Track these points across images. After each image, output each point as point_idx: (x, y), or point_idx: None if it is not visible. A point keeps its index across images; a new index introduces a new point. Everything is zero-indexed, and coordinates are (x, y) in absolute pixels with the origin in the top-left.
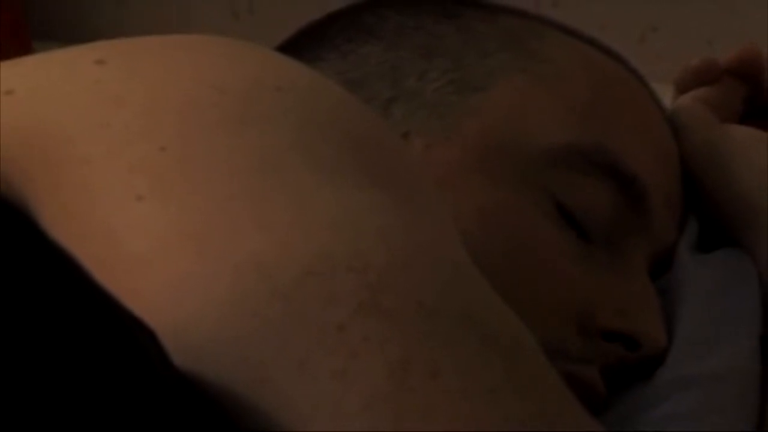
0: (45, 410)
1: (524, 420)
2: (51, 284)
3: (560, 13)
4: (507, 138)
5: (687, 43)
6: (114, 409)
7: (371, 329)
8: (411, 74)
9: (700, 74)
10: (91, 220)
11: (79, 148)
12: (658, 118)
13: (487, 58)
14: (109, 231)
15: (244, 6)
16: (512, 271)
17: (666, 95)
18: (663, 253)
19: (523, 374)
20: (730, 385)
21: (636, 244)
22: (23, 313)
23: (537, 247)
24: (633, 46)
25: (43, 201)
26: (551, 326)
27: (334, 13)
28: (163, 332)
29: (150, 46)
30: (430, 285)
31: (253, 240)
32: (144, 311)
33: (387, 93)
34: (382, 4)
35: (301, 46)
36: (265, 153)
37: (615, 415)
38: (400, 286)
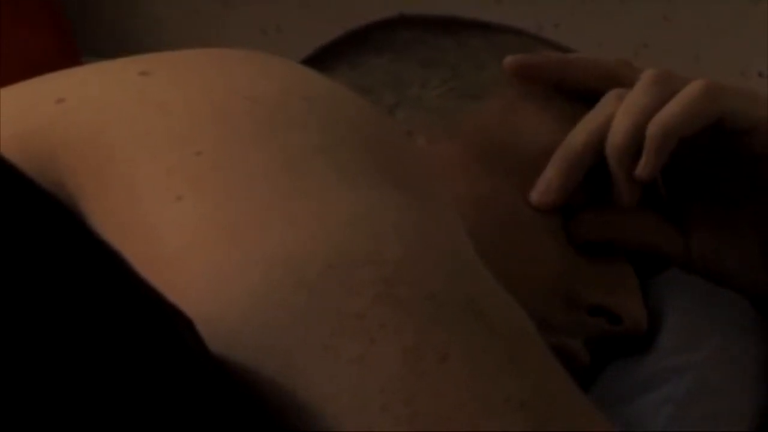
0: (95, 392)
1: (524, 401)
2: (99, 278)
3: (562, 32)
4: (501, 140)
5: (676, 58)
6: (155, 392)
7: (387, 317)
8: (413, 83)
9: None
10: (134, 218)
11: (124, 153)
12: None
13: (483, 71)
14: (151, 228)
15: (272, 25)
16: (504, 250)
17: None
18: None
19: (525, 359)
20: (723, 371)
21: None
22: (75, 304)
23: (526, 228)
24: None
25: (92, 201)
26: (539, 300)
27: (349, 32)
28: (199, 321)
29: (189, 58)
30: (441, 277)
31: (281, 236)
32: (182, 301)
33: (391, 99)
34: (392, 23)
35: (318, 59)
36: (292, 156)
37: (615, 397)
38: (414, 277)
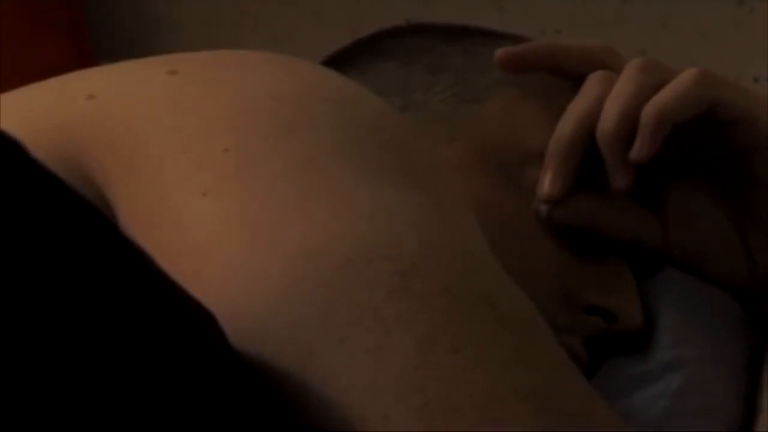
0: (118, 385)
1: (531, 392)
2: (124, 274)
3: (563, 38)
4: (501, 140)
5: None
6: (177, 385)
7: (403, 310)
8: (419, 88)
9: None
10: (161, 212)
11: (152, 149)
12: None
13: (485, 75)
14: (177, 222)
15: (285, 32)
16: (503, 249)
17: None
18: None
19: (534, 351)
20: (714, 367)
21: None
22: (100, 299)
23: (525, 229)
24: None
25: (120, 195)
26: (538, 299)
27: (360, 39)
28: (221, 314)
29: (215, 59)
30: (454, 271)
31: (302, 232)
32: (204, 295)
33: (398, 103)
34: (400, 30)
35: (329, 65)
36: (314, 155)
37: (610, 392)
38: (429, 272)
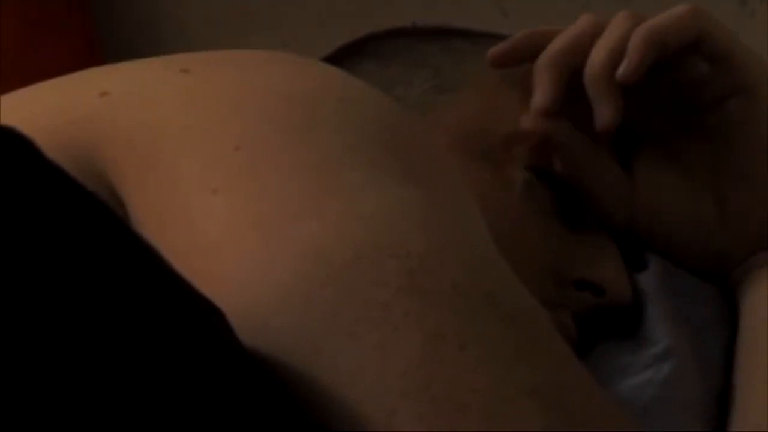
0: (128, 377)
1: (537, 388)
2: (135, 271)
3: None
4: (479, 125)
5: None
6: (186, 378)
7: (411, 307)
8: (400, 83)
9: None
10: (172, 209)
11: (164, 147)
12: None
13: (461, 66)
14: (188, 219)
15: (292, 36)
16: (492, 230)
17: None
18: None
19: (539, 348)
20: (695, 362)
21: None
22: (112, 296)
23: (511, 209)
24: None
25: (132, 192)
26: (527, 275)
27: (349, 43)
28: (230, 310)
29: (228, 58)
30: (461, 269)
31: (311, 229)
32: (214, 292)
33: None
34: (384, 34)
35: None
36: (324, 154)
37: (604, 378)
38: (436, 269)
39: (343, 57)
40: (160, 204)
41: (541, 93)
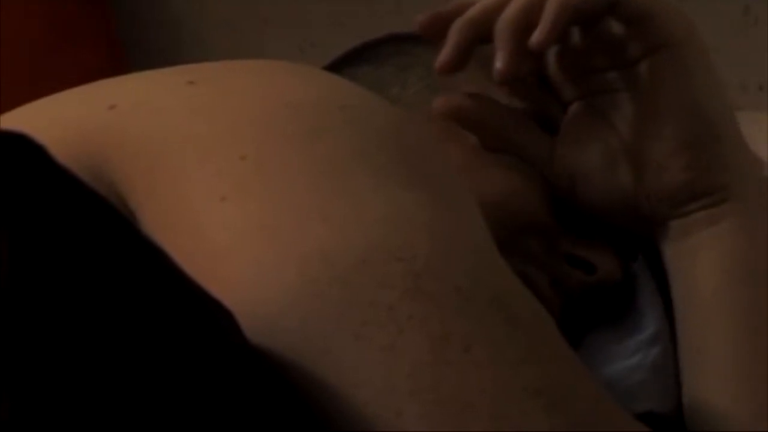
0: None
1: (542, 389)
2: (146, 273)
3: None
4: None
5: None
6: (195, 376)
7: (416, 309)
8: (394, 84)
9: None
10: (181, 217)
11: (171, 157)
12: None
13: None
14: (196, 226)
15: (307, 41)
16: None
17: None
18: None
19: (543, 350)
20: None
21: None
22: (124, 296)
23: (508, 186)
24: None
25: (142, 200)
26: (521, 236)
27: (349, 50)
28: (239, 312)
29: (233, 69)
30: (466, 272)
31: (318, 234)
32: (224, 294)
33: None
34: (380, 40)
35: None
36: (329, 160)
37: (595, 365)
38: (441, 273)
39: (342, 64)
40: (168, 212)
41: (444, 54)
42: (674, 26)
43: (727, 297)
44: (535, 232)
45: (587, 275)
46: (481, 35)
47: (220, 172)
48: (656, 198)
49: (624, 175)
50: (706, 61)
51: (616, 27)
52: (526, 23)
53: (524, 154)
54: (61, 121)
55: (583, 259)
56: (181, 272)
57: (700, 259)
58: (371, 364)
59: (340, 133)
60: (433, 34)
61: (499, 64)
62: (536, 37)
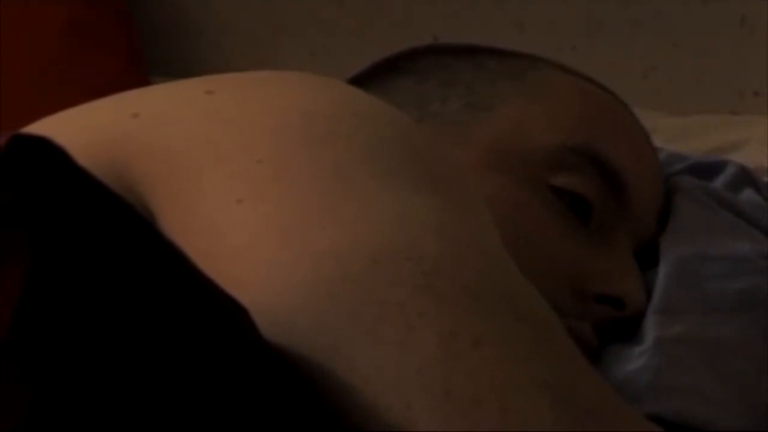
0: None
1: (549, 384)
2: (165, 272)
3: (579, 54)
4: (512, 142)
5: (680, 79)
6: (212, 371)
7: (426, 307)
8: (435, 100)
9: None
10: (199, 219)
11: (191, 161)
12: (640, 133)
13: (495, 85)
14: (214, 227)
15: (321, 49)
16: (516, 245)
17: (664, 123)
18: (646, 238)
19: (549, 345)
20: (692, 348)
21: (620, 225)
22: (144, 295)
23: (536, 225)
24: (637, 82)
25: (162, 204)
26: (548, 288)
27: (382, 60)
28: (255, 310)
29: (249, 79)
30: (474, 271)
31: (330, 235)
32: (240, 293)
33: (415, 114)
34: (417, 51)
35: (355, 83)
36: (341, 165)
37: (602, 368)
38: (450, 271)
39: (376, 74)
40: (187, 214)
41: None
42: None
43: None
44: (564, 279)
45: (617, 310)
46: None
47: (237, 175)
48: None
49: None
50: None
51: None
52: None
53: None
54: (88, 127)
55: (612, 297)
56: (200, 272)
57: None
58: (382, 360)
59: (352, 138)
60: None
61: None
62: None
